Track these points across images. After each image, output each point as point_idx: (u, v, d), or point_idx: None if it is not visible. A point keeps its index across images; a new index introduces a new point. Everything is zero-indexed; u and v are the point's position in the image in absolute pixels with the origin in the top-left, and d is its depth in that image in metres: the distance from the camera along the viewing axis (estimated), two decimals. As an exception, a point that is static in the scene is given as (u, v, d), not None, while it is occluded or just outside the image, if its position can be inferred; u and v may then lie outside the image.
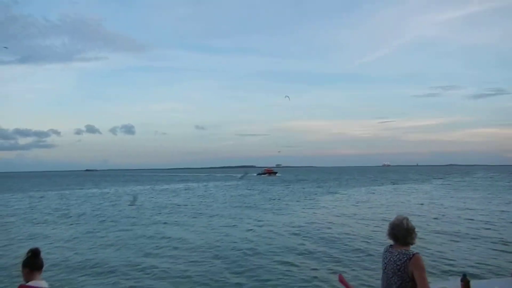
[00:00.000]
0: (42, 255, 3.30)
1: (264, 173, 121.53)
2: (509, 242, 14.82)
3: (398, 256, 3.22)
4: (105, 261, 13.39)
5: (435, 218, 22.11)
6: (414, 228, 3.35)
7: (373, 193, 44.32)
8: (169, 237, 17.93)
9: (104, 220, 24.44)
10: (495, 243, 14.88)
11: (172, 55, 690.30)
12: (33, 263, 3.13)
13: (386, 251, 3.41)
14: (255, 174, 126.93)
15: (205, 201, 37.14)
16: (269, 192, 48.29)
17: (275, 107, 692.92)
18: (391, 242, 3.44)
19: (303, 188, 55.93)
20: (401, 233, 3.29)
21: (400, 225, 3.31)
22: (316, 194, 44.29)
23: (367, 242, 15.75)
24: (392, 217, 3.69)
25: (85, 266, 12.76)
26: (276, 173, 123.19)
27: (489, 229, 18.25)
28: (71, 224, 23.17)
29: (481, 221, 20.81)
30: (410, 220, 3.43)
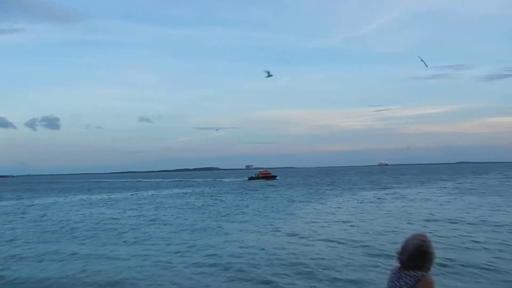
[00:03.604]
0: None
1: (259, 177, 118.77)
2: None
3: (405, 279, 3.46)
4: None
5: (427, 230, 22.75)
6: (425, 253, 3.53)
7: (371, 202, 45.35)
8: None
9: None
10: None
11: (114, 27, 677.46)
12: None
13: (393, 272, 3.67)
14: (246, 179, 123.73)
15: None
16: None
17: (245, 93, 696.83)
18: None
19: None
20: (404, 257, 3.57)
21: (405, 247, 3.59)
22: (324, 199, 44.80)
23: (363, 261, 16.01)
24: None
25: None
26: (275, 176, 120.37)
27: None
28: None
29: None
30: (426, 241, 3.62)
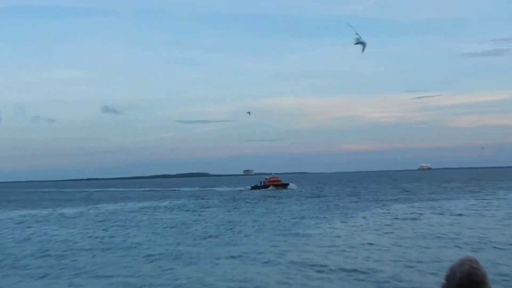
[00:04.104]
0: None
1: (266, 185, 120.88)
2: None
3: None
4: None
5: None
6: (478, 283, 3.40)
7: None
8: None
9: None
10: None
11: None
12: None
13: None
14: (248, 187, 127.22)
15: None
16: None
17: (244, 76, 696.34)
18: None
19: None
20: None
21: (451, 276, 3.48)
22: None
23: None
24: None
25: None
26: (287, 184, 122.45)
27: None
28: None
29: None
30: (478, 269, 3.45)
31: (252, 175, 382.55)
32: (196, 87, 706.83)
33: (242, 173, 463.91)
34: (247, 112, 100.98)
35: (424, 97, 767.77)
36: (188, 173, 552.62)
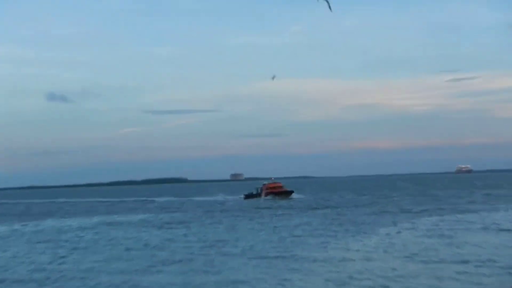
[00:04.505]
0: None
1: (264, 193, 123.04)
2: None
3: None
4: None
5: None
6: None
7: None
8: None
9: None
10: None
11: None
12: None
13: None
14: (242, 196, 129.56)
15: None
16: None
17: (232, 54, 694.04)
18: None
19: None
20: None
21: None
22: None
23: None
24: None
25: None
26: (291, 192, 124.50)
27: None
28: None
29: None
30: None
31: (242, 180, 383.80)
32: (168, 68, 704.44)
33: (229, 178, 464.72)
34: (272, 77, 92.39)
35: (464, 79, 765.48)
36: (159, 179, 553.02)
